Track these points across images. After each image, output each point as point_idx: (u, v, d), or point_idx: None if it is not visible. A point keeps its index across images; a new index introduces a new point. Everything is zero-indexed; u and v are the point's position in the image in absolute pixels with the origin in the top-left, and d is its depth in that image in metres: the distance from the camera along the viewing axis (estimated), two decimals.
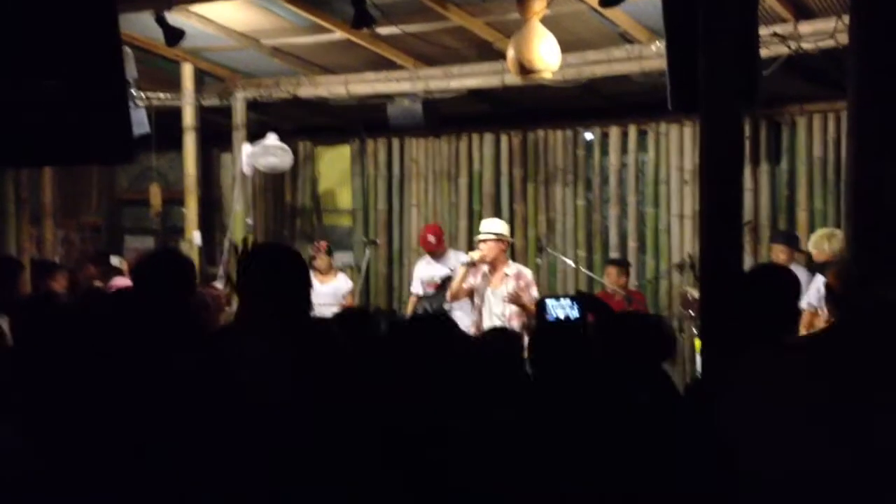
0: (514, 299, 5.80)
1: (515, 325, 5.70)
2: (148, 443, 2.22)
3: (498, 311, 5.89)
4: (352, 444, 2.23)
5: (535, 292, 5.99)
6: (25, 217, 8.72)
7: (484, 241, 6.04)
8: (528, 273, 6.13)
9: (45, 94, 2.32)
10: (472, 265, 6.08)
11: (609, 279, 6.98)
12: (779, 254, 6.39)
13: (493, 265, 6.00)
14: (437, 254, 7.18)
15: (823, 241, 5.82)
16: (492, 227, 6.15)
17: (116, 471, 2.17)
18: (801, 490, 1.62)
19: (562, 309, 5.05)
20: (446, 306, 6.55)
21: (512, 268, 6.07)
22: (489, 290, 5.98)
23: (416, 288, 7.21)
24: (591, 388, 2.70)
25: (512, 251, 8.25)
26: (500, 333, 4.02)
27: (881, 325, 1.71)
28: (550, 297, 3.61)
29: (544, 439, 2.40)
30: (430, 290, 6.93)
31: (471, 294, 6.12)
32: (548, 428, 2.47)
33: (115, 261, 8.41)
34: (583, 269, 7.82)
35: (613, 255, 7.79)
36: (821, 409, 1.63)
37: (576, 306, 5.02)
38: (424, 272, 7.17)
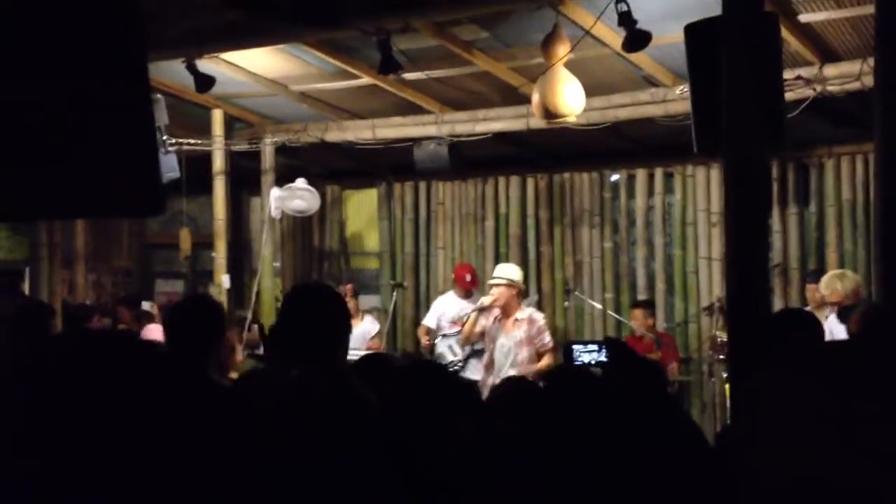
0: (524, 361, 5.81)
1: (527, 370, 5.67)
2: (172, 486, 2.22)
3: (510, 357, 5.87)
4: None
5: (547, 338, 5.97)
6: (57, 261, 8.87)
7: (496, 285, 6.04)
8: (540, 318, 6.09)
9: (75, 147, 2.31)
10: (482, 310, 6.10)
11: (635, 321, 6.93)
12: (814, 293, 6.29)
13: (505, 310, 5.99)
14: (470, 292, 7.19)
15: (836, 282, 5.73)
16: (504, 272, 6.14)
17: None
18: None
19: (588, 353, 5.02)
20: (464, 349, 6.57)
21: (524, 312, 6.04)
22: (501, 335, 5.97)
23: (431, 321, 7.20)
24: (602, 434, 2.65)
25: (539, 294, 8.26)
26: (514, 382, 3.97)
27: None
28: (577, 342, 3.55)
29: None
30: (456, 329, 6.88)
31: (482, 336, 6.13)
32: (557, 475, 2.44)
33: (146, 305, 8.50)
34: (610, 312, 7.76)
35: (641, 297, 7.74)
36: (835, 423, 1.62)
37: (602, 351, 4.98)
38: (451, 309, 7.14)
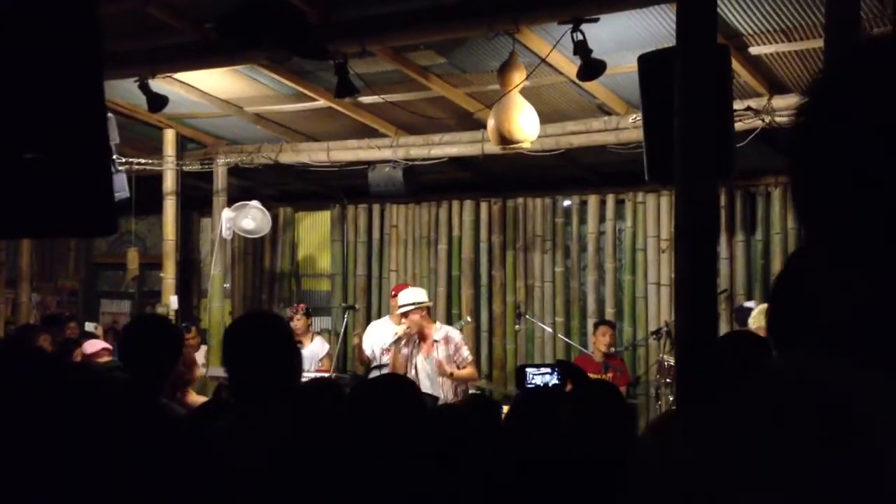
0: (442, 373, 5.87)
1: (448, 391, 5.80)
2: None
3: (431, 379, 5.91)
4: None
5: (465, 352, 6.02)
6: (1, 281, 8.67)
7: (404, 314, 6.04)
8: (456, 335, 6.13)
9: (24, 162, 2.26)
10: (397, 343, 6.09)
11: (602, 338, 6.92)
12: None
13: (420, 333, 6.03)
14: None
15: (761, 317, 5.85)
16: (409, 297, 6.11)
17: None
18: None
19: (541, 376, 5.05)
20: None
21: (440, 332, 6.07)
22: (420, 358, 6.01)
23: (367, 348, 6.82)
24: (560, 454, 2.69)
25: (490, 317, 8.29)
26: (477, 400, 4.01)
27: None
28: (529, 365, 3.60)
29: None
30: (387, 357, 6.47)
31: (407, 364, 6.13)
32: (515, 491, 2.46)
33: (90, 326, 8.34)
34: (560, 336, 7.82)
35: (592, 321, 7.81)
36: None
37: (555, 374, 5.02)
38: (381, 336, 6.68)
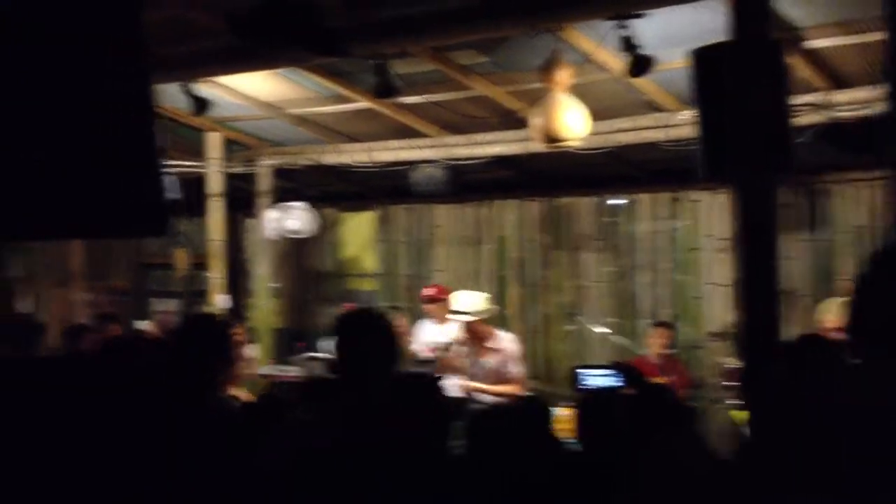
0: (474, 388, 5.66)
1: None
2: None
3: (484, 383, 5.74)
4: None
5: (514, 368, 5.77)
6: (53, 281, 8.81)
7: (460, 321, 5.78)
8: (511, 346, 5.84)
9: (77, 165, 2.28)
10: (446, 350, 5.88)
11: (658, 340, 6.72)
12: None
13: (477, 337, 5.78)
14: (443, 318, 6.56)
15: (827, 313, 5.59)
16: (468, 305, 5.79)
17: None
18: None
19: (598, 378, 4.90)
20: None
21: (497, 340, 5.82)
22: (475, 360, 5.81)
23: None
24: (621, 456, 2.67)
25: (539, 318, 8.15)
26: (530, 401, 3.93)
27: None
28: (584, 366, 3.55)
29: None
30: (431, 355, 6.26)
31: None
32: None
33: (142, 324, 8.43)
34: (614, 337, 7.61)
35: (645, 321, 7.62)
36: None
37: (614, 376, 4.87)
38: (425, 336, 6.52)
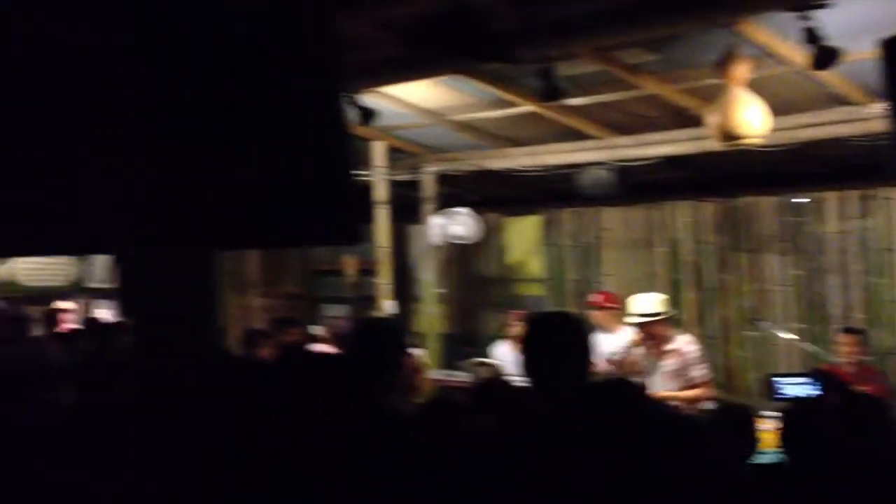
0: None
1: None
2: None
3: (665, 386, 5.44)
4: None
5: (697, 371, 5.48)
6: (230, 288, 9.23)
7: (639, 325, 5.54)
8: (691, 348, 5.55)
9: (282, 179, 2.36)
10: (624, 355, 5.59)
11: (847, 347, 6.20)
12: None
13: (655, 340, 5.53)
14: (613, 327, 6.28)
15: None
16: (644, 307, 5.58)
17: None
18: None
19: (796, 387, 4.54)
20: None
21: (676, 342, 5.55)
22: (652, 364, 5.53)
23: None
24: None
25: (718, 323, 7.73)
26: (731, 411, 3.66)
27: None
28: (779, 374, 3.31)
29: None
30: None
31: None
32: None
33: (315, 329, 8.66)
34: (802, 344, 7.07)
35: (834, 327, 7.06)
36: None
37: (812, 385, 4.49)
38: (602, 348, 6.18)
